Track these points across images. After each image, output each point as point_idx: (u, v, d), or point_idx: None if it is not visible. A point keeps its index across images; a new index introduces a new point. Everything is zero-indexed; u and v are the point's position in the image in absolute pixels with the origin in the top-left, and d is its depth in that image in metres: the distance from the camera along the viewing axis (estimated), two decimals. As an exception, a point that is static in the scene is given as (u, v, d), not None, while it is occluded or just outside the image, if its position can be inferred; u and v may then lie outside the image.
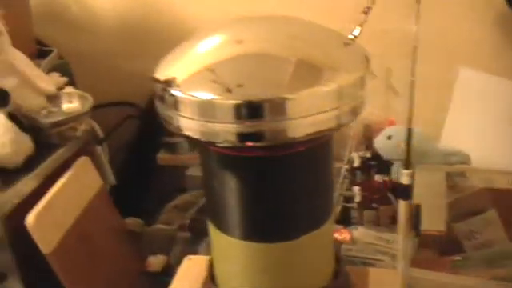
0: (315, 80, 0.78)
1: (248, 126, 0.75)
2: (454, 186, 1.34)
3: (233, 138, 0.76)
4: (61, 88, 1.27)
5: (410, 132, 0.90)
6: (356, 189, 1.49)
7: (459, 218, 1.29)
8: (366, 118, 1.51)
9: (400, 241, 0.93)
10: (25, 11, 1.20)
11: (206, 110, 0.75)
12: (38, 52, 1.38)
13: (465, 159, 1.41)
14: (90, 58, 1.48)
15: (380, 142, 1.42)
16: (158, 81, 0.82)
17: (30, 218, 1.04)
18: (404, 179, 0.90)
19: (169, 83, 0.79)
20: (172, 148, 1.53)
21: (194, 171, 1.51)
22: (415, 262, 1.27)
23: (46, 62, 1.30)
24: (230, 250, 0.97)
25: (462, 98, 1.41)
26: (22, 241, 1.07)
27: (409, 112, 0.90)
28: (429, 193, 1.37)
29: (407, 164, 0.89)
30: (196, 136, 0.79)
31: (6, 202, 1.04)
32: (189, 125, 0.79)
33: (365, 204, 1.56)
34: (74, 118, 1.18)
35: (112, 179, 1.37)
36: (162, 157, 1.54)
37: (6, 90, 1.08)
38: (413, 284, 1.11)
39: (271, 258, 0.94)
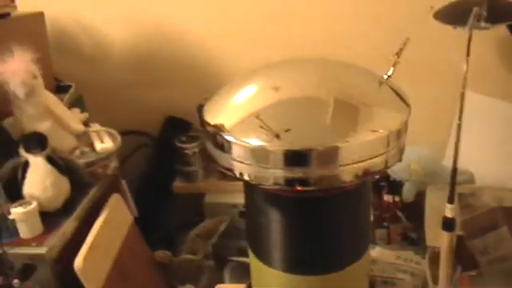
0: (363, 125, 0.80)
1: (298, 172, 0.77)
2: (467, 205, 1.39)
3: (283, 182, 0.78)
4: (85, 124, 1.25)
5: (454, 173, 0.92)
6: (368, 209, 1.53)
7: (473, 235, 1.34)
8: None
9: (442, 269, 0.94)
10: (45, 49, 1.16)
11: (257, 155, 0.77)
12: (56, 87, 1.34)
13: (470, 177, 1.46)
14: (102, 89, 1.45)
15: (391, 164, 1.46)
16: (209, 124, 0.83)
17: (79, 261, 1.02)
18: (448, 212, 0.92)
19: (220, 128, 0.81)
20: (187, 176, 1.52)
21: (212, 198, 1.52)
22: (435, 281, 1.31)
23: (67, 97, 1.26)
24: (273, 282, 0.98)
25: (466, 119, 1.46)
26: (67, 283, 1.05)
27: (455, 152, 0.93)
28: (442, 212, 1.41)
29: (451, 199, 0.91)
30: (247, 178, 0.80)
31: (54, 247, 1.02)
32: (240, 168, 0.80)
33: (377, 223, 1.60)
34: (110, 155, 1.16)
35: (135, 211, 1.35)
36: (178, 185, 1.54)
37: (45, 135, 1.05)
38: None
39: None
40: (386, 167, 0.83)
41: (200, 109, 1.54)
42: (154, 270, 1.31)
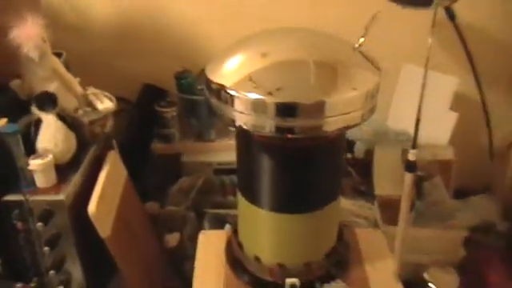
0: (345, 84, 0.96)
1: (289, 122, 0.92)
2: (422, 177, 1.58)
3: (276, 131, 0.92)
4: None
5: (417, 124, 1.07)
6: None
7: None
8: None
9: (403, 205, 1.11)
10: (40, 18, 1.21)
11: (255, 107, 0.91)
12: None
13: (409, 137, 1.65)
14: (83, 57, 1.48)
15: (345, 126, 1.62)
16: (214, 82, 0.96)
17: (92, 208, 1.11)
18: (411, 156, 1.07)
19: (224, 85, 0.94)
20: (165, 138, 1.62)
21: (188, 158, 1.62)
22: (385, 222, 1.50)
23: (62, 61, 1.31)
24: (261, 220, 1.13)
25: (403, 87, 1.65)
26: (80, 228, 1.14)
27: (419, 106, 1.08)
28: (388, 165, 1.60)
29: (414, 145, 1.07)
30: (246, 127, 0.95)
31: (69, 195, 1.10)
32: (241, 118, 0.94)
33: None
34: (106, 116, 1.24)
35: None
36: (157, 146, 1.63)
37: (55, 94, 1.11)
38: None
39: (299, 226, 1.13)
40: (362, 120, 1.00)
41: (178, 76, 1.65)
42: (146, 220, 1.41)
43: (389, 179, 1.58)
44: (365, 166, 1.64)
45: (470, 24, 1.60)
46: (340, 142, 1.13)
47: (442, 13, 1.51)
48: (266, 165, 1.07)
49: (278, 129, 0.94)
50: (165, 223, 1.43)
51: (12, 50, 1.08)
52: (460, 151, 1.58)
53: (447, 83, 1.62)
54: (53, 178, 1.10)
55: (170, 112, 1.57)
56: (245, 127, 0.97)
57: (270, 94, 0.91)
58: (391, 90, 1.67)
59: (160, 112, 1.56)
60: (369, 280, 1.19)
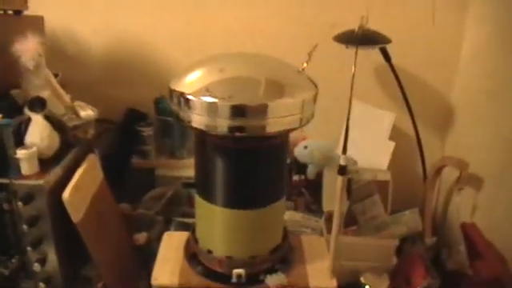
0: (286, 94, 1.09)
1: (238, 121, 1.05)
2: (351, 180, 1.69)
3: (227, 130, 1.05)
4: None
5: (347, 131, 1.19)
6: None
7: (355, 201, 1.64)
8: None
9: (336, 205, 1.20)
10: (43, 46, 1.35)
11: (209, 109, 1.04)
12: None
13: (354, 162, 1.77)
14: (77, 84, 1.60)
15: (298, 151, 1.74)
16: (176, 90, 1.08)
17: (66, 193, 1.21)
18: (342, 161, 1.18)
19: (184, 91, 1.07)
20: (143, 154, 1.74)
21: (161, 172, 1.74)
22: (329, 232, 1.59)
23: (58, 80, 1.44)
24: (214, 216, 1.24)
25: (352, 121, 1.78)
26: (56, 213, 1.23)
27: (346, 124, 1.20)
28: (335, 186, 1.69)
29: (344, 151, 1.18)
30: (201, 127, 1.07)
31: (48, 181, 1.21)
32: (197, 120, 1.07)
33: (286, 197, 1.86)
34: (89, 123, 1.37)
35: (102, 175, 1.53)
36: (135, 161, 1.75)
37: (44, 99, 1.24)
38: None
39: (246, 221, 1.24)
40: (300, 125, 1.12)
41: (157, 101, 1.79)
42: (118, 218, 1.49)
43: (332, 199, 1.68)
44: (316, 186, 1.74)
45: (408, 72, 1.78)
46: (283, 148, 1.26)
47: (381, 57, 1.67)
48: (218, 165, 1.19)
49: (228, 128, 1.07)
50: (135, 224, 1.52)
51: (13, 62, 1.22)
52: (397, 175, 1.71)
53: (386, 117, 1.77)
54: (36, 167, 1.21)
55: (147, 131, 1.70)
56: (200, 128, 1.09)
57: (222, 98, 1.04)
58: (341, 122, 1.80)
59: (139, 131, 1.70)
60: (308, 276, 1.29)
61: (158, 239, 1.43)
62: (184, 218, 1.65)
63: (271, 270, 1.27)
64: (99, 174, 1.42)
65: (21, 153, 1.18)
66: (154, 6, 1.76)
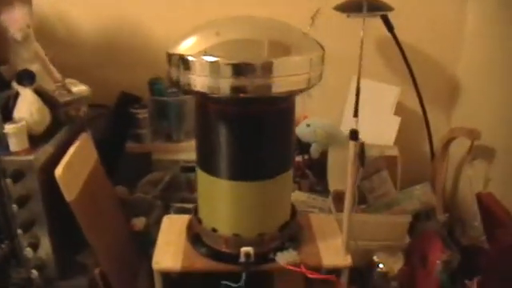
0: (292, 52, 1.02)
1: (242, 81, 0.97)
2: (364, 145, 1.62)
3: (230, 91, 0.97)
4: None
5: (358, 92, 1.12)
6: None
7: (363, 178, 1.57)
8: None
9: (349, 173, 1.13)
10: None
11: (211, 68, 0.96)
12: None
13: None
14: (69, 68, 1.53)
15: (301, 129, 1.66)
16: (175, 53, 1.01)
17: (58, 170, 1.13)
18: (354, 125, 1.11)
19: (184, 53, 0.99)
20: (138, 138, 1.65)
21: (158, 156, 1.65)
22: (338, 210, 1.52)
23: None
24: (218, 190, 1.15)
25: (353, 96, 1.73)
26: (48, 193, 1.15)
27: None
28: (340, 163, 1.63)
29: (356, 112, 1.11)
30: (203, 90, 0.98)
31: (39, 158, 1.13)
32: (199, 82, 0.99)
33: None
34: (82, 99, 1.29)
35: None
36: (130, 146, 1.66)
37: (34, 72, 1.16)
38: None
39: (253, 194, 1.15)
40: (308, 85, 1.04)
41: (151, 82, 1.71)
42: (114, 202, 1.41)
43: (341, 176, 1.61)
44: (320, 166, 1.67)
45: (412, 45, 1.72)
46: (290, 114, 1.18)
47: (385, 32, 1.62)
48: (222, 134, 1.11)
49: (232, 89, 0.98)
50: (132, 208, 1.43)
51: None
52: (404, 151, 1.64)
53: (390, 92, 1.71)
54: (25, 143, 1.13)
55: (142, 113, 1.61)
56: (202, 90, 1.01)
57: (224, 57, 0.97)
58: (343, 99, 1.74)
59: (133, 113, 1.61)
60: (320, 253, 1.21)
61: (157, 224, 1.34)
62: (183, 203, 1.58)
63: (281, 248, 1.19)
64: (93, 154, 1.34)
65: (9, 127, 1.09)
66: None
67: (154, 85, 1.64)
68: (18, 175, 1.08)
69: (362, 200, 1.58)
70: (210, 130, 1.13)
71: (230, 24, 1.12)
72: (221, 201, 1.18)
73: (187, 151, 1.64)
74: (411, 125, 1.73)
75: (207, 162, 1.17)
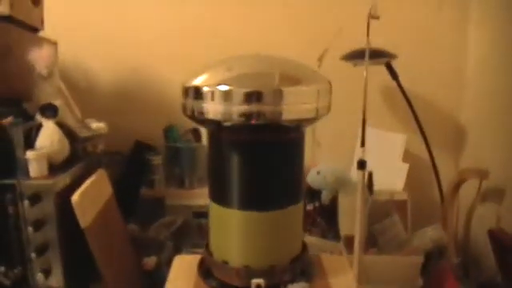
0: (300, 83, 1.08)
1: (253, 107, 1.03)
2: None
3: (243, 117, 1.02)
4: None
5: (364, 125, 1.18)
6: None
7: (374, 221, 1.57)
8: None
9: (358, 202, 1.15)
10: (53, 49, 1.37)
11: (226, 97, 1.02)
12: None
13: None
14: (89, 114, 1.62)
15: (311, 177, 1.70)
16: (191, 85, 1.08)
17: (75, 197, 1.17)
18: (361, 156, 1.15)
19: (199, 85, 1.06)
20: (152, 183, 1.70)
21: (171, 201, 1.69)
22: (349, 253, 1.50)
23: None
24: (229, 221, 1.17)
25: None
26: (63, 219, 1.18)
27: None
28: (350, 208, 1.63)
29: (363, 142, 1.16)
30: (217, 117, 1.04)
31: (56, 183, 1.17)
32: (213, 109, 1.05)
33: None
34: (99, 136, 1.35)
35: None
36: (144, 191, 1.70)
37: (57, 105, 1.23)
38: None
39: (263, 225, 1.17)
40: (317, 115, 1.10)
41: (166, 129, 1.78)
42: (126, 237, 1.42)
43: (352, 220, 1.61)
44: (331, 212, 1.68)
45: (416, 93, 1.79)
46: (299, 145, 1.22)
47: (390, 80, 1.70)
48: (233, 163, 1.15)
49: (244, 115, 1.04)
50: (144, 248, 1.44)
51: (26, 73, 1.24)
52: (414, 196, 1.66)
53: (397, 140, 1.75)
54: (44, 170, 1.18)
55: (156, 160, 1.68)
56: (215, 118, 1.07)
57: (235, 86, 1.04)
58: (352, 148, 1.78)
59: (148, 160, 1.67)
60: (330, 284, 1.19)
61: (168, 264, 1.34)
62: (194, 248, 1.57)
63: (292, 281, 1.18)
64: (108, 189, 1.38)
65: (30, 153, 1.15)
66: (161, 42, 1.83)
67: (168, 132, 1.71)
68: (36, 198, 1.12)
69: (374, 242, 1.57)
70: (222, 161, 1.17)
71: (240, 60, 1.21)
72: (232, 232, 1.19)
73: (199, 197, 1.68)
74: (420, 170, 1.77)
75: (219, 192, 1.20)
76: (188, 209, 1.66)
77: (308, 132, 1.86)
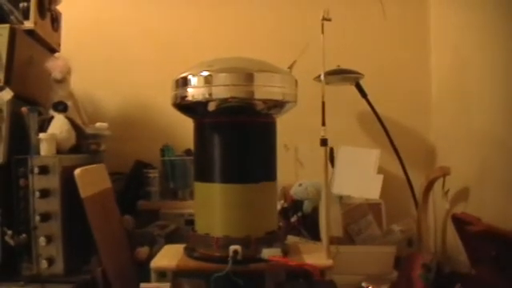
0: (270, 71, 1.33)
1: (230, 88, 1.28)
2: (345, 204, 1.78)
3: (221, 97, 1.26)
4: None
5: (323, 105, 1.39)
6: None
7: (350, 222, 1.72)
8: (283, 182, 1.96)
9: (323, 176, 1.34)
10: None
11: (207, 81, 1.27)
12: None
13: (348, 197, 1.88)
14: None
15: (294, 189, 1.88)
16: (178, 78, 1.32)
17: (78, 171, 1.38)
18: (322, 134, 1.35)
19: (186, 75, 1.31)
20: (148, 196, 1.90)
21: (165, 210, 1.87)
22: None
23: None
24: (212, 195, 1.39)
25: (341, 162, 1.97)
26: (66, 195, 1.38)
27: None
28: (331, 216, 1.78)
29: (323, 123, 1.36)
30: (200, 98, 1.28)
31: (61, 161, 1.38)
32: (196, 92, 1.29)
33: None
34: (103, 135, 1.58)
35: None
36: (141, 203, 1.90)
37: (67, 103, 1.48)
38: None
39: (241, 196, 1.37)
40: (284, 98, 1.33)
41: (162, 148, 2.01)
42: (121, 228, 1.58)
43: (331, 226, 1.75)
44: (312, 221, 1.83)
45: (389, 117, 2.03)
46: (271, 129, 1.44)
47: (365, 105, 1.95)
48: (215, 143, 1.39)
49: (222, 95, 1.30)
50: (137, 239, 1.59)
51: (44, 80, 1.51)
52: (390, 204, 1.82)
53: (371, 155, 1.94)
54: (53, 150, 1.40)
55: (153, 173, 1.88)
56: (199, 99, 1.31)
57: (215, 71, 1.30)
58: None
59: (145, 173, 1.88)
60: (304, 256, 1.38)
61: (160, 255, 1.49)
62: (185, 250, 1.72)
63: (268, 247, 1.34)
64: (108, 181, 1.57)
65: (42, 135, 1.38)
66: (159, 76, 2.03)
67: (164, 151, 1.94)
68: (44, 169, 1.32)
69: (350, 242, 1.70)
70: (205, 143, 1.40)
71: (220, 59, 1.47)
72: (214, 204, 1.39)
73: (192, 208, 1.85)
74: (393, 181, 1.94)
75: (203, 171, 1.41)
76: (180, 217, 1.84)
77: (291, 155, 2.10)
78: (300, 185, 1.90)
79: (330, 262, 1.34)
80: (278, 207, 2.01)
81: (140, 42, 2.19)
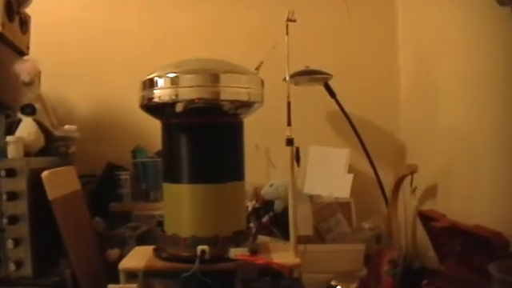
0: (236, 72, 1.36)
1: (197, 89, 1.31)
2: (316, 203, 1.82)
3: (188, 97, 1.29)
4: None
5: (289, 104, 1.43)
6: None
7: (320, 220, 1.76)
8: (255, 182, 2.00)
9: (289, 173, 1.38)
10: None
11: (173, 82, 1.31)
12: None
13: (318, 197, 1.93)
14: None
15: (265, 189, 1.92)
16: (146, 80, 1.35)
17: (45, 173, 1.40)
18: (288, 134, 1.39)
19: (152, 78, 1.33)
20: (120, 198, 1.92)
21: (138, 211, 1.89)
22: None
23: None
24: (180, 195, 1.41)
25: (312, 162, 2.02)
26: (34, 195, 1.39)
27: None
28: (300, 214, 1.82)
29: (289, 122, 1.40)
30: (166, 99, 1.31)
31: (29, 163, 1.39)
32: (163, 93, 1.33)
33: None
34: (72, 138, 1.60)
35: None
36: (113, 205, 1.91)
37: (35, 106, 1.50)
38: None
39: (209, 196, 1.41)
40: (249, 101, 1.37)
41: (134, 150, 2.03)
42: (92, 230, 1.60)
43: (302, 224, 1.79)
44: (283, 220, 1.86)
45: (358, 116, 2.08)
46: (237, 130, 1.48)
47: (334, 105, 1.99)
48: (182, 144, 1.42)
49: (189, 95, 1.33)
50: (108, 242, 1.61)
51: (13, 81, 1.52)
52: (360, 202, 1.87)
53: (341, 154, 2.00)
54: (21, 152, 1.40)
55: (124, 175, 1.91)
56: (166, 100, 1.34)
57: (182, 72, 1.32)
58: (303, 167, 2.02)
59: (117, 175, 1.90)
60: (272, 255, 1.41)
61: (131, 257, 1.52)
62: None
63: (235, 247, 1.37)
64: (77, 183, 1.59)
65: (9, 138, 1.39)
66: (130, 77, 2.10)
67: (136, 152, 1.97)
68: (11, 172, 1.33)
69: (321, 240, 1.74)
70: (173, 143, 1.43)
71: (187, 61, 1.50)
72: (182, 205, 1.42)
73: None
74: (363, 180, 2.00)
75: (171, 172, 1.44)
76: (152, 218, 1.86)
77: (263, 156, 2.14)
78: (271, 185, 1.94)
79: (297, 261, 1.38)
80: (250, 207, 2.07)
81: (110, 43, 2.22)
